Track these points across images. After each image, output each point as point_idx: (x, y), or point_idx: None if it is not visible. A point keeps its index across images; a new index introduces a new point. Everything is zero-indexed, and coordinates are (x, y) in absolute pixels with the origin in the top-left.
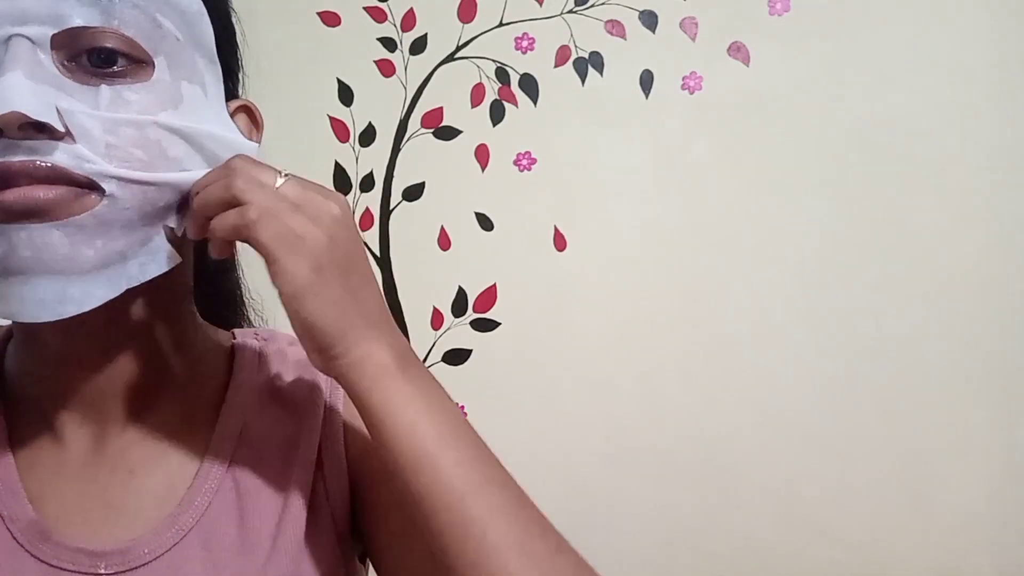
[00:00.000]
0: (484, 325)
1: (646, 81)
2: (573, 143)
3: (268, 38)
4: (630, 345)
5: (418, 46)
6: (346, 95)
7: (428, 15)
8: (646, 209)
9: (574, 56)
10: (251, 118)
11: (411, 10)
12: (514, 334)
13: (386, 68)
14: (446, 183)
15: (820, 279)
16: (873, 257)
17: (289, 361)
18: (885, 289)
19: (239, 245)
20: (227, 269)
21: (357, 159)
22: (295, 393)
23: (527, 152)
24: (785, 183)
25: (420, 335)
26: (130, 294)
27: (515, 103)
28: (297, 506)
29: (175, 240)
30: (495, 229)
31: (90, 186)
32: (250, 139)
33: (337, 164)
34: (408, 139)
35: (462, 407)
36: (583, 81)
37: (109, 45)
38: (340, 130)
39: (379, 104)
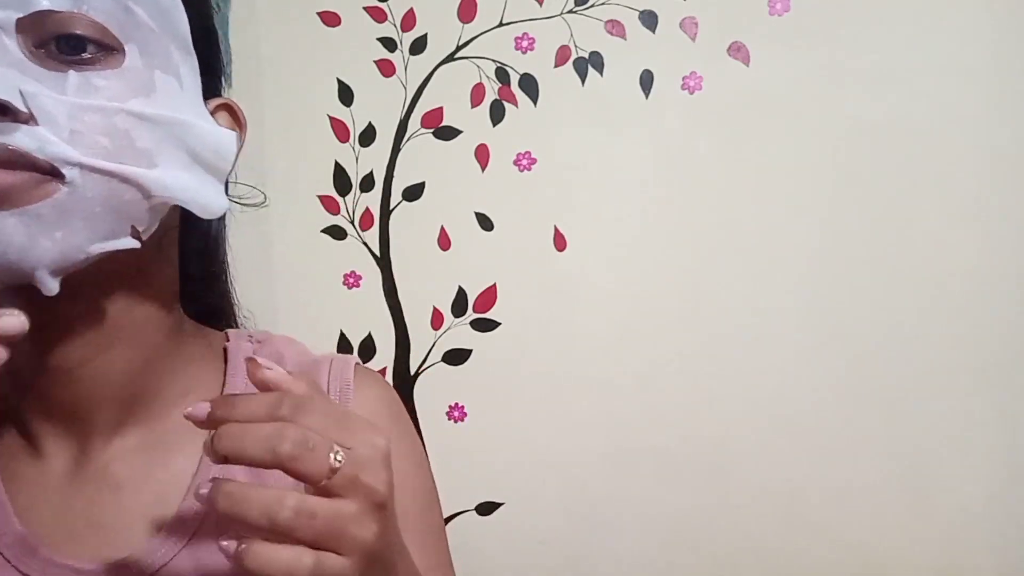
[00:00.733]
0: (484, 325)
1: (646, 81)
2: (573, 143)
3: (268, 38)
4: (630, 345)
5: (418, 46)
6: (346, 95)
7: (428, 15)
8: (646, 209)
9: (574, 56)
10: (233, 117)
11: (411, 10)
12: (514, 334)
13: (386, 68)
14: (446, 183)
15: (820, 279)
16: (874, 257)
17: (287, 363)
18: (886, 289)
19: (230, 253)
20: (216, 277)
21: (357, 159)
22: None
23: (527, 152)
24: (785, 183)
25: (420, 335)
26: (112, 300)
27: (515, 103)
28: None
29: (144, 242)
30: (495, 229)
31: (52, 173)
32: None
33: (337, 164)
34: (408, 139)
35: (462, 407)
36: (583, 81)
37: (78, 31)
38: (340, 130)
39: (379, 104)
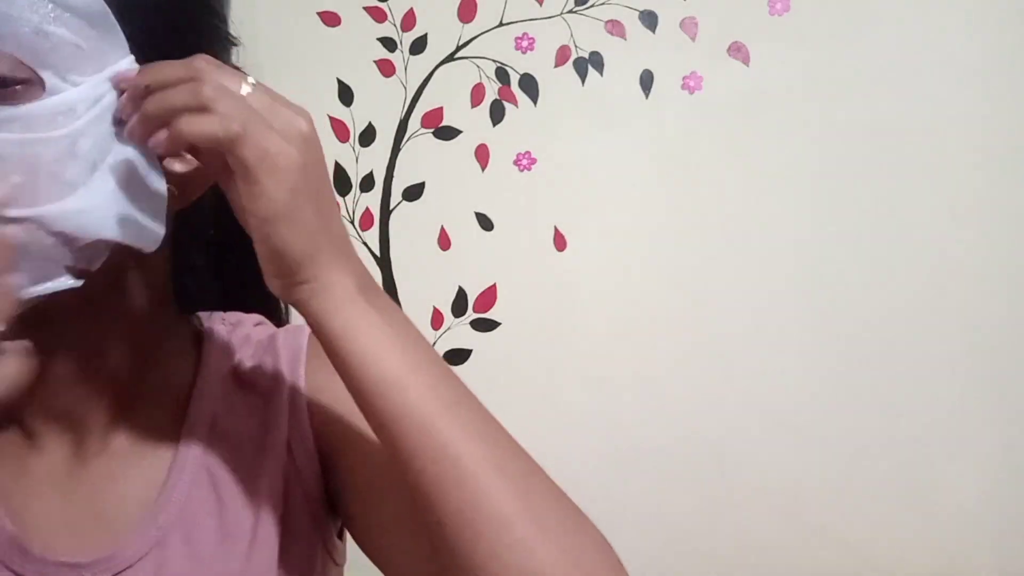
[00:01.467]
0: (484, 325)
1: (646, 81)
2: (573, 143)
3: (268, 38)
4: (630, 345)
5: (418, 46)
6: (346, 95)
7: (428, 15)
8: (646, 209)
9: (574, 56)
10: None
11: (411, 10)
12: (514, 334)
13: (386, 68)
14: (446, 183)
15: (820, 279)
16: (873, 257)
17: (253, 343)
18: (885, 288)
19: None
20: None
21: (357, 159)
22: (260, 376)
23: (527, 152)
24: (785, 182)
25: None
26: (102, 302)
27: (515, 103)
28: (273, 491)
29: (86, 275)
30: (495, 229)
31: None
32: None
33: (337, 164)
34: (408, 139)
35: None
36: (583, 81)
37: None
38: (340, 130)
39: (379, 104)
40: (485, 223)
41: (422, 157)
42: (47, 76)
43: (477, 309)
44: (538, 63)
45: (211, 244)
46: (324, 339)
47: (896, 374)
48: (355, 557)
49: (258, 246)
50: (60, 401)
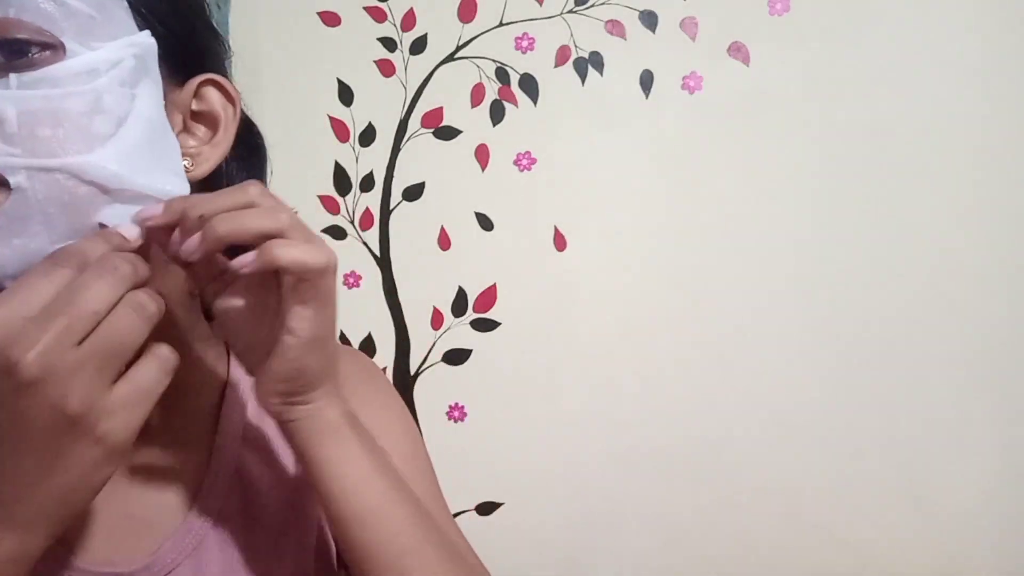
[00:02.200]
0: (484, 325)
1: (646, 81)
2: (573, 143)
3: (268, 38)
4: (630, 345)
5: (418, 46)
6: (346, 95)
7: (428, 15)
8: (646, 209)
9: (574, 56)
10: (224, 93)
11: (411, 10)
12: (514, 334)
13: (386, 68)
14: (446, 183)
15: (820, 279)
16: (873, 257)
17: None
18: (885, 289)
19: None
20: None
21: (357, 159)
22: None
23: (527, 152)
24: (785, 183)
25: (420, 335)
26: None
27: (515, 103)
28: (304, 494)
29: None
30: (495, 229)
31: (0, 182)
32: (223, 113)
33: (337, 164)
34: (408, 139)
35: (462, 407)
36: (583, 81)
37: (11, 35)
38: (340, 130)
39: (379, 104)
40: (485, 223)
41: (422, 157)
42: (67, 41)
43: (477, 309)
44: (538, 63)
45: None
46: (309, 463)
47: (896, 374)
48: None
49: (280, 363)
50: None
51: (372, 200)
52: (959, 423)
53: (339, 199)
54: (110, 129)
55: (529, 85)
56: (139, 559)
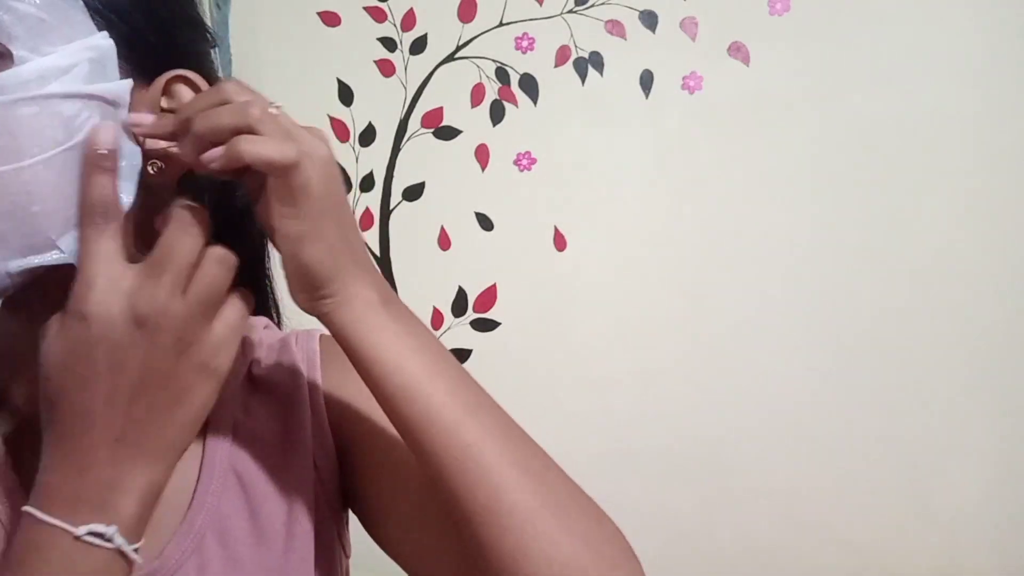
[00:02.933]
0: (484, 325)
1: (646, 81)
2: (573, 143)
3: (268, 38)
4: (630, 345)
5: (418, 46)
6: (346, 95)
7: (428, 15)
8: (646, 209)
9: (574, 56)
10: (194, 89)
11: (411, 10)
12: (514, 334)
13: (386, 68)
14: (446, 183)
15: (819, 279)
16: (872, 256)
17: (264, 346)
18: (884, 288)
19: None
20: (258, 260)
21: (357, 159)
22: (277, 378)
23: (527, 152)
24: (784, 182)
25: None
26: None
27: (515, 103)
28: (302, 488)
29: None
30: (495, 229)
31: None
32: None
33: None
34: (408, 139)
35: None
36: (583, 81)
37: None
38: (340, 130)
39: (379, 104)
40: (485, 223)
41: (422, 157)
42: (15, 48)
43: (477, 309)
44: (538, 63)
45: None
46: (348, 349)
47: (896, 374)
48: (355, 555)
49: (286, 262)
50: None
51: (372, 200)
52: (959, 423)
53: None
54: (62, 137)
55: (529, 85)
56: (144, 563)
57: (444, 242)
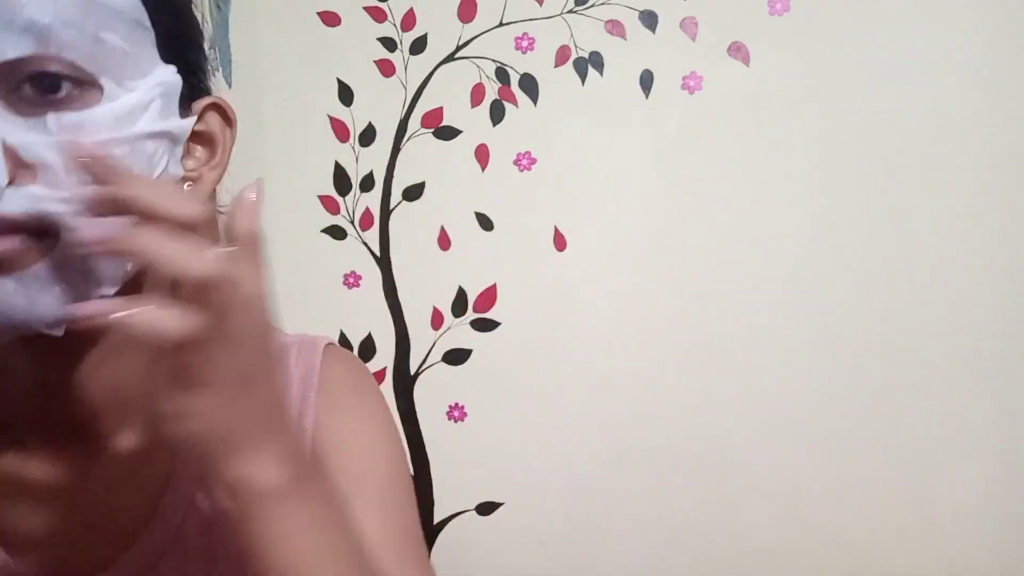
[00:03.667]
0: (484, 325)
1: (646, 81)
2: (573, 143)
3: (268, 38)
4: (630, 345)
5: (418, 46)
6: (346, 95)
7: (428, 15)
8: (646, 209)
9: (574, 56)
10: (223, 116)
11: (411, 10)
12: (514, 334)
13: (386, 68)
14: (446, 183)
15: (819, 279)
16: (873, 257)
17: None
18: (885, 288)
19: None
20: None
21: (357, 159)
22: None
23: (527, 152)
24: (785, 183)
25: (420, 335)
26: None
27: (515, 103)
28: None
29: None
30: (495, 229)
31: (43, 231)
32: (222, 135)
33: (337, 164)
34: (408, 139)
35: (462, 407)
36: (583, 81)
37: (51, 69)
38: (340, 130)
39: (379, 104)
40: (485, 223)
41: (422, 157)
42: (104, 80)
43: (477, 309)
44: (538, 63)
45: None
46: (242, 543)
47: (896, 374)
48: None
49: (167, 438)
50: (56, 417)
51: (372, 200)
52: (959, 423)
53: (339, 199)
54: (148, 174)
55: (529, 85)
56: (98, 568)
57: (444, 242)
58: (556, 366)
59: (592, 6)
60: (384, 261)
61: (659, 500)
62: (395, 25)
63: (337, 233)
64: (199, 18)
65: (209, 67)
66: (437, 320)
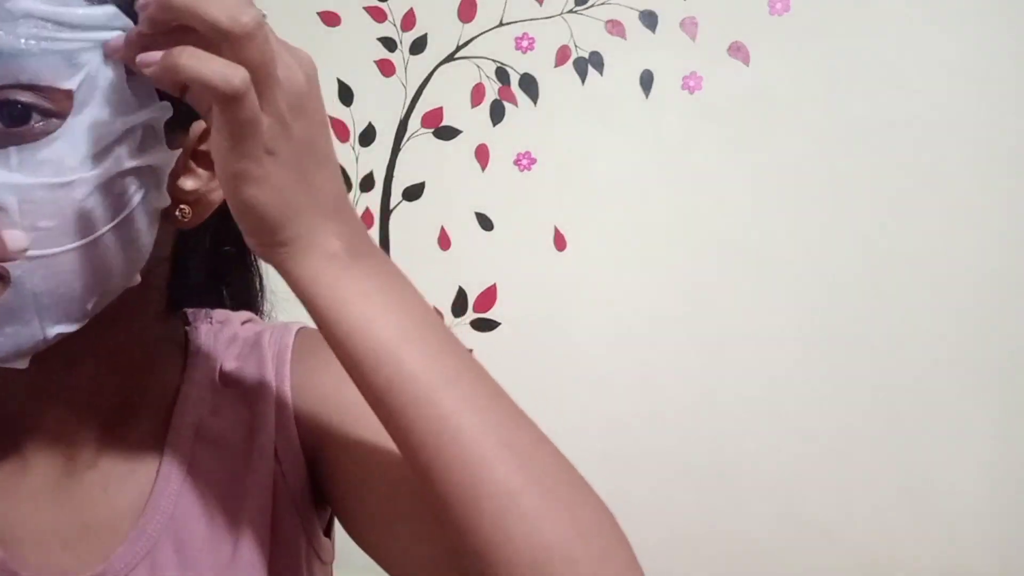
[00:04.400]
0: (484, 325)
1: (646, 81)
2: (573, 143)
3: None
4: (630, 345)
5: (418, 46)
6: (346, 95)
7: (428, 15)
8: (646, 209)
9: (574, 56)
10: None
11: (411, 10)
12: (514, 334)
13: (386, 68)
14: (446, 183)
15: (819, 278)
16: (873, 257)
17: (239, 342)
18: (885, 289)
19: None
20: (243, 250)
21: (357, 159)
22: (246, 377)
23: (527, 152)
24: (785, 183)
25: None
26: (103, 329)
27: (515, 103)
28: (261, 494)
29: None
30: (495, 229)
31: None
32: None
33: None
34: (408, 139)
35: None
36: (583, 81)
37: (19, 99)
38: (340, 130)
39: (379, 104)
40: (485, 223)
41: (422, 157)
42: (77, 107)
43: (477, 309)
44: (538, 63)
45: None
46: (308, 307)
47: (897, 374)
48: (346, 556)
49: (228, 200)
50: (50, 418)
51: (372, 200)
52: (959, 423)
53: None
54: (110, 216)
55: (529, 85)
56: (91, 566)
57: (444, 242)
58: (556, 366)
59: (592, 6)
60: None
61: (659, 499)
62: (395, 25)
63: None
64: None
65: None
66: None
